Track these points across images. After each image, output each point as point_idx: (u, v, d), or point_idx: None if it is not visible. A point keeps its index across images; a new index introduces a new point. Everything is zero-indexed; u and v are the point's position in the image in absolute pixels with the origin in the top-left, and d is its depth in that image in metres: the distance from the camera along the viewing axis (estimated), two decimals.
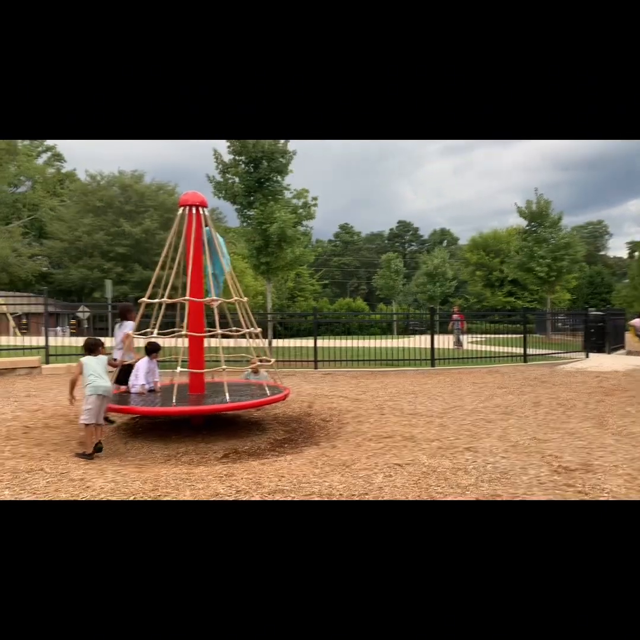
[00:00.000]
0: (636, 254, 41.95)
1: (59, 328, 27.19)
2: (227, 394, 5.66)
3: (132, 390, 6.33)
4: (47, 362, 11.75)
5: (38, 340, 13.11)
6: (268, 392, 6.26)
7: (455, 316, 18.42)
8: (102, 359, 5.26)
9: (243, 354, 7.79)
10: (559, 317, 17.28)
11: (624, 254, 72.98)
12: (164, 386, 7.02)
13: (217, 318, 6.28)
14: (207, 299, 6.44)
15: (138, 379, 6.36)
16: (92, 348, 5.24)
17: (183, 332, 6.20)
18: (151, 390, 6.39)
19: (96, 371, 5.06)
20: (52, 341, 13.03)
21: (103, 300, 31.86)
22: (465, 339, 16.93)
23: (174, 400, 5.49)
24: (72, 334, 22.88)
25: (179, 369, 5.85)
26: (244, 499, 3.60)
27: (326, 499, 3.59)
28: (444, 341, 13.70)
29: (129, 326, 6.66)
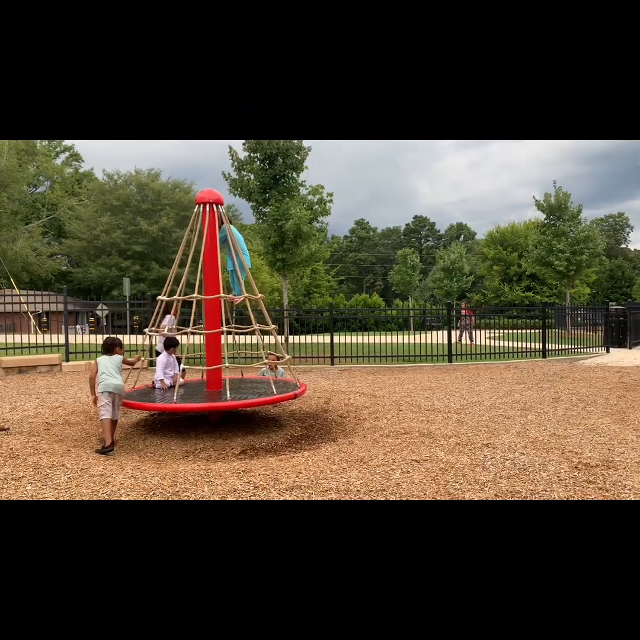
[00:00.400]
0: None
1: (78, 326, 27.56)
2: (228, 393, 5.68)
3: (156, 385, 6.51)
4: (67, 360, 11.93)
5: (58, 338, 13.31)
6: (284, 388, 6.29)
7: (463, 312, 18.47)
8: (116, 358, 5.47)
9: (259, 351, 7.81)
10: (579, 312, 17.04)
11: None
12: (189, 382, 7.11)
13: (227, 315, 6.34)
14: (229, 295, 6.50)
15: (157, 374, 6.52)
16: (108, 348, 5.51)
17: (189, 330, 6.28)
18: (172, 386, 6.47)
19: (108, 370, 5.32)
20: (72, 339, 13.22)
21: (122, 298, 32.22)
22: (476, 334, 17.03)
23: (175, 397, 5.56)
24: (91, 332, 23.15)
25: (182, 366, 6.22)
26: (262, 494, 3.62)
27: (337, 499, 3.59)
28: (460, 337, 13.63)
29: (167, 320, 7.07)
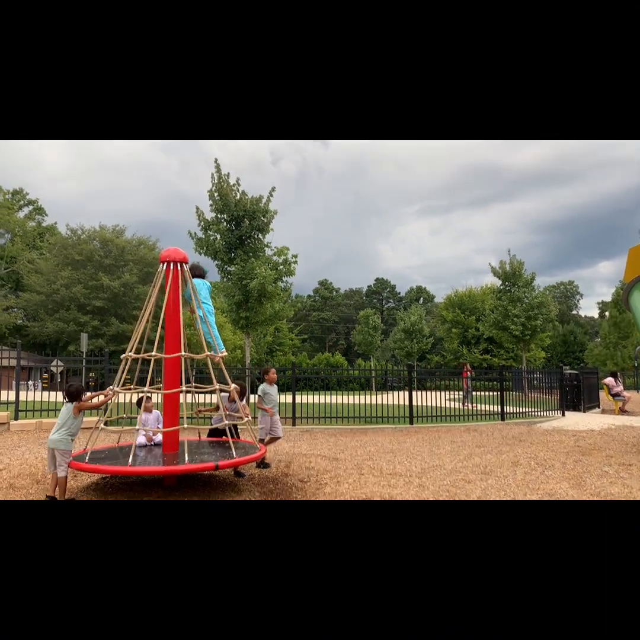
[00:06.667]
0: (607, 313, 43.12)
1: (30, 382, 26.52)
2: (185, 455, 5.52)
3: (137, 442, 6.35)
4: (16, 418, 11.38)
5: (8, 395, 12.74)
6: (244, 451, 6.14)
7: (467, 373, 18.66)
8: (66, 407, 5.45)
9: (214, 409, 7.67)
10: (535, 376, 17.48)
11: (595, 313, 75.04)
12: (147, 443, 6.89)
13: (188, 374, 6.23)
14: (210, 354, 6.40)
15: (139, 434, 6.42)
16: (66, 395, 5.51)
17: (146, 389, 6.12)
18: (144, 445, 6.45)
19: (58, 420, 5.38)
20: (23, 396, 12.68)
21: (78, 353, 31.32)
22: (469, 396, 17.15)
23: (130, 460, 5.43)
24: (44, 389, 22.29)
25: (138, 426, 6.11)
26: None
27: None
28: (422, 398, 13.70)
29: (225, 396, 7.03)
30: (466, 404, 16.47)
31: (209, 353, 6.36)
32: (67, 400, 5.49)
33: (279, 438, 7.67)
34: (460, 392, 19.17)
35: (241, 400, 7.09)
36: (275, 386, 7.81)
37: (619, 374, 20.84)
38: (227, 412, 6.73)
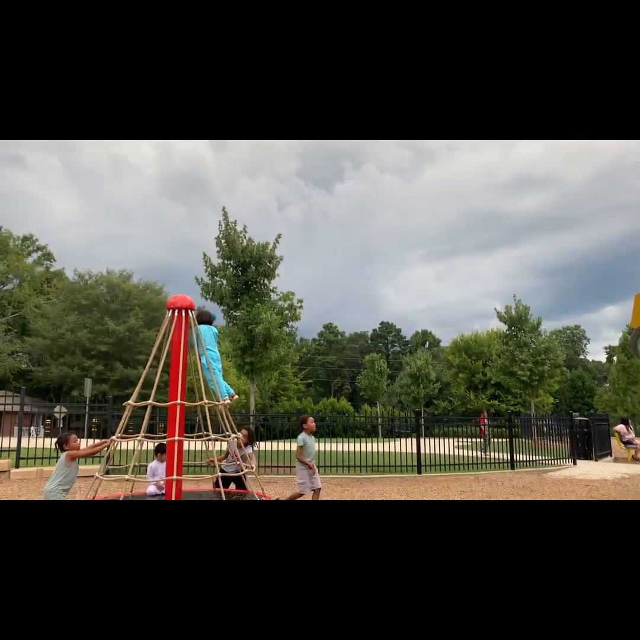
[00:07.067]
0: (615, 358, 42.78)
1: (32, 428, 26.30)
2: None
3: (147, 492, 6.29)
4: (17, 466, 11.18)
5: (10, 442, 12.57)
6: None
7: (484, 420, 18.35)
8: (60, 459, 5.33)
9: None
10: (544, 422, 17.18)
11: (602, 358, 74.56)
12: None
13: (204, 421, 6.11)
14: (208, 402, 6.28)
15: (149, 489, 6.31)
16: (57, 446, 5.45)
17: (140, 436, 6.00)
18: (155, 494, 6.32)
19: (53, 471, 5.27)
20: (25, 442, 12.50)
21: (82, 398, 31.15)
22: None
23: None
24: (46, 435, 22.05)
25: (128, 475, 5.52)
26: None
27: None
28: (430, 445, 13.42)
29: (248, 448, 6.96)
30: (487, 453, 15.84)
31: (207, 400, 6.23)
32: (58, 449, 5.43)
33: (320, 489, 7.40)
34: (470, 439, 18.82)
35: (251, 446, 6.94)
36: (313, 436, 7.64)
37: (630, 420, 20.46)
38: (236, 462, 6.56)
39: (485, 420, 18.39)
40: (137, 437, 6.24)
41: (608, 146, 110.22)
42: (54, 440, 5.57)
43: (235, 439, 6.74)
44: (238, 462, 6.28)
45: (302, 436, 7.43)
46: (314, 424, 7.64)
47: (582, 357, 76.92)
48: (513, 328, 26.76)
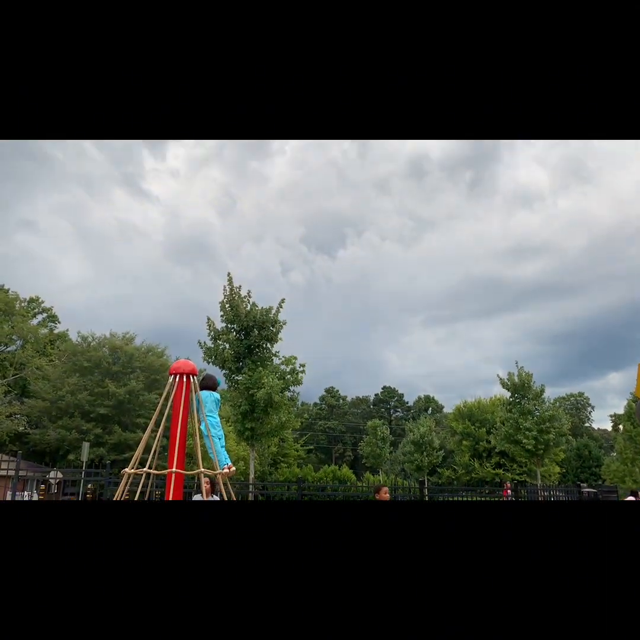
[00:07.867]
0: (620, 427, 42.07)
1: (26, 493, 25.60)
2: None
3: None
4: None
5: None
6: None
7: (507, 491, 17.94)
8: None
9: None
10: (551, 493, 16.70)
11: (608, 426, 73.32)
12: None
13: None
14: (204, 470, 6.15)
15: None
16: None
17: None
18: None
19: None
20: None
21: (78, 462, 30.50)
22: None
23: None
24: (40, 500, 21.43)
25: None
26: None
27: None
28: None
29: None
30: None
31: (203, 470, 6.10)
32: None
33: None
34: None
35: (214, 494, 6.69)
36: None
37: (639, 492, 19.89)
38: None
39: (509, 492, 17.90)
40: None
41: (605, 215, 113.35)
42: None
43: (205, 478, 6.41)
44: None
45: None
46: (387, 495, 6.68)
47: (587, 425, 75.64)
48: (516, 395, 26.51)
